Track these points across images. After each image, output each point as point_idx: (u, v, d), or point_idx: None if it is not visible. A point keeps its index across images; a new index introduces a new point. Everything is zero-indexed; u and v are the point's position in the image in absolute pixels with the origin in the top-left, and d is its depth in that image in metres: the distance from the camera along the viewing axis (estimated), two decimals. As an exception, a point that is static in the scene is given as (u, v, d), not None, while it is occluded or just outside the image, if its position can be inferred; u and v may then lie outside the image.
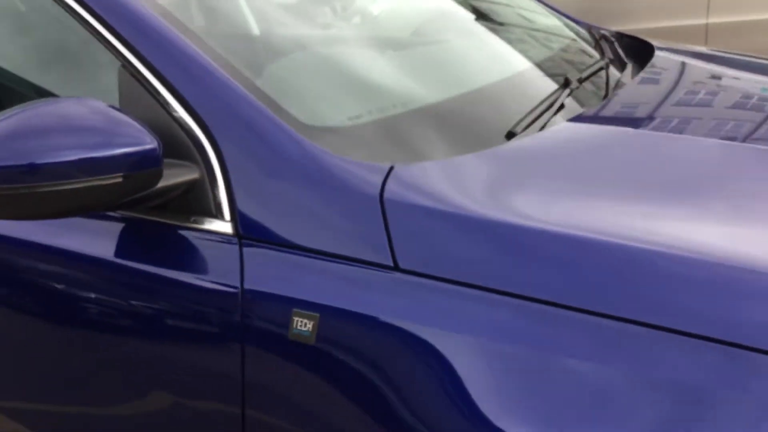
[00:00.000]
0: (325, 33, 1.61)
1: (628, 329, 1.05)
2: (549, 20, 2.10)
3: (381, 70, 1.56)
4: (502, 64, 1.72)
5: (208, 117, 1.25)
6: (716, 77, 1.91)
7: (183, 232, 1.26)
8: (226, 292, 1.20)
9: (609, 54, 1.91)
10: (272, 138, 1.23)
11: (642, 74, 1.76)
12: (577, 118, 1.51)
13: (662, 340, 1.01)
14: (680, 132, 1.49)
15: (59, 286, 1.35)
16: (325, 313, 1.14)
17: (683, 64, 1.90)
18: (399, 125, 1.37)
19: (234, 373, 1.19)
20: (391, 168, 1.21)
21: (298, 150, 1.22)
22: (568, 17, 2.23)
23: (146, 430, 1.32)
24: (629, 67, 1.82)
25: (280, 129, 1.23)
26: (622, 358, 1.03)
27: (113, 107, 1.20)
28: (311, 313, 1.15)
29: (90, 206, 1.19)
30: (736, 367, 0.99)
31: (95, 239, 1.30)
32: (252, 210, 1.22)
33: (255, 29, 1.52)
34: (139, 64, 1.28)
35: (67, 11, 1.33)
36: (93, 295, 1.32)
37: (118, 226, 1.29)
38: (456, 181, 1.24)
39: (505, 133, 1.40)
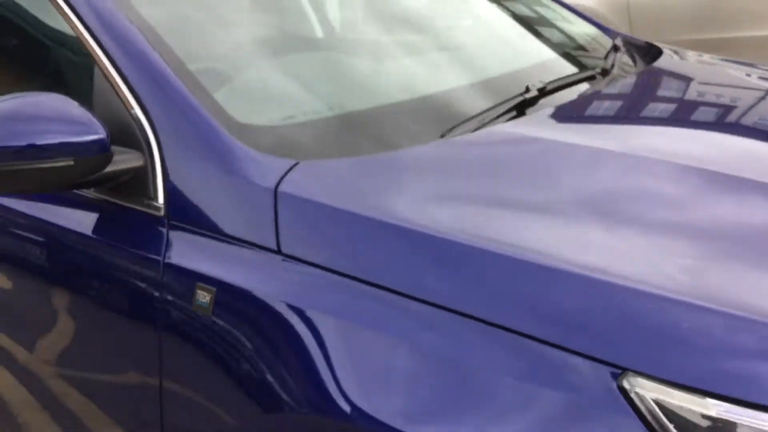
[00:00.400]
0: (280, 40, 1.76)
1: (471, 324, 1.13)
2: (553, 24, 2.14)
3: (324, 75, 1.69)
4: (471, 69, 1.79)
5: (155, 113, 1.43)
6: (701, 91, 1.87)
7: (129, 212, 1.45)
8: (151, 266, 1.39)
9: (610, 62, 1.92)
10: (203, 133, 1.40)
11: (610, 85, 1.77)
12: (517, 123, 1.57)
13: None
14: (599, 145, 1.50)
15: (26, 246, 1.61)
16: (221, 288, 1.30)
17: (667, 76, 1.87)
18: (327, 127, 1.50)
19: (152, 340, 1.38)
20: (296, 164, 1.35)
21: (221, 145, 1.38)
22: (596, 24, 2.25)
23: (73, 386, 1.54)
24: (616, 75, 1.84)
25: (210, 126, 1.40)
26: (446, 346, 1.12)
27: (73, 102, 1.41)
28: (209, 287, 1.31)
29: (47, 185, 1.40)
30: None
31: (62, 214, 1.53)
32: (178, 195, 1.39)
33: (215, 36, 1.70)
34: (110, 67, 1.49)
35: (62, 17, 1.56)
36: (51, 258, 1.56)
37: (79, 204, 1.51)
38: (348, 178, 1.35)
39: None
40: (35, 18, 1.73)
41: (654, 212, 1.26)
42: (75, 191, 1.49)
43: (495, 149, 1.48)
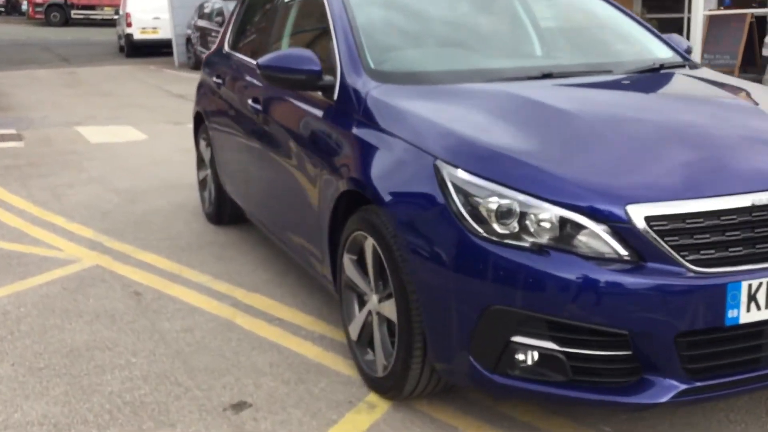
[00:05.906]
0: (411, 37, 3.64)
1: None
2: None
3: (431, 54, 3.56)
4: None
5: (344, 61, 3.35)
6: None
7: (326, 104, 3.40)
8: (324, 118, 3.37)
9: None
10: (357, 69, 3.24)
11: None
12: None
13: None
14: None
15: (284, 112, 3.74)
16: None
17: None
18: (405, 75, 3.28)
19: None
20: (379, 86, 3.14)
21: (360, 74, 3.21)
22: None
23: None
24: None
25: (360, 67, 3.26)
26: None
27: (311, 53, 3.38)
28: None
29: (296, 86, 3.43)
30: None
31: (303, 99, 3.60)
32: (344, 91, 3.26)
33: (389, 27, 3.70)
34: (334, 39, 3.45)
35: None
36: (292, 116, 3.69)
37: (311, 99, 3.52)
38: (411, 94, 3.08)
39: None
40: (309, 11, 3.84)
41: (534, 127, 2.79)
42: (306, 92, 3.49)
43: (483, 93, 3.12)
